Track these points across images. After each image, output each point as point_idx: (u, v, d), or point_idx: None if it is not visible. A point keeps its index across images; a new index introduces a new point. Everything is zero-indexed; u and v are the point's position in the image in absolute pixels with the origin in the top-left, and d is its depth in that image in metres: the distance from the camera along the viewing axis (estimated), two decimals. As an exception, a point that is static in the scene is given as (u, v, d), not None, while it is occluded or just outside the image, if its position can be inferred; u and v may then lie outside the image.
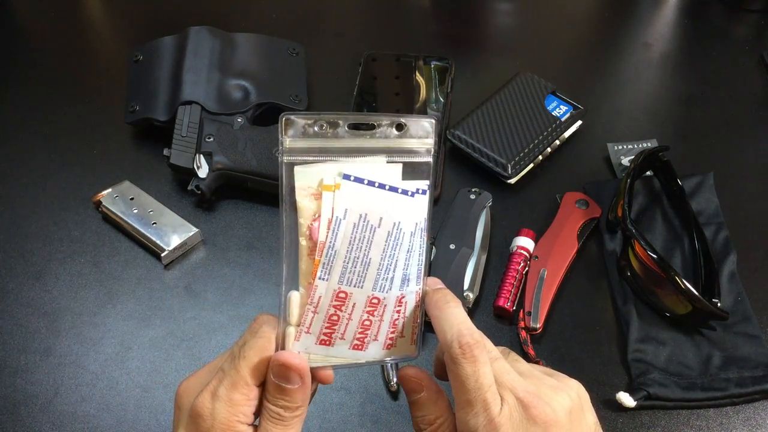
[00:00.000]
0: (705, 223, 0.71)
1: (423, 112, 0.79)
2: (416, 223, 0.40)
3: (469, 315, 0.65)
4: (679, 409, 0.61)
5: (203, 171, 0.71)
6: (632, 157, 0.74)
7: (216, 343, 0.65)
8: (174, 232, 0.70)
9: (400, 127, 0.40)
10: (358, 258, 0.39)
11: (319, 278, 0.39)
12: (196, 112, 0.73)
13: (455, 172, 0.77)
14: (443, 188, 0.75)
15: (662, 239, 0.71)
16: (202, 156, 0.71)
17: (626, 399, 0.59)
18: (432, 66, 0.83)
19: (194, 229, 0.70)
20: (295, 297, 0.40)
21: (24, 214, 0.73)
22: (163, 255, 0.68)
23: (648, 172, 0.75)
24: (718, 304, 0.63)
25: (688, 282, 0.61)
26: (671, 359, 0.63)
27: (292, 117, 0.39)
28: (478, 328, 0.66)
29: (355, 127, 0.40)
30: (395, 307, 0.41)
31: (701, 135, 0.82)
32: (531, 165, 0.76)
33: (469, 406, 0.38)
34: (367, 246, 0.39)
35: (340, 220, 0.39)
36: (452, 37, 0.92)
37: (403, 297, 0.41)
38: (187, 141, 0.72)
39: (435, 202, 0.73)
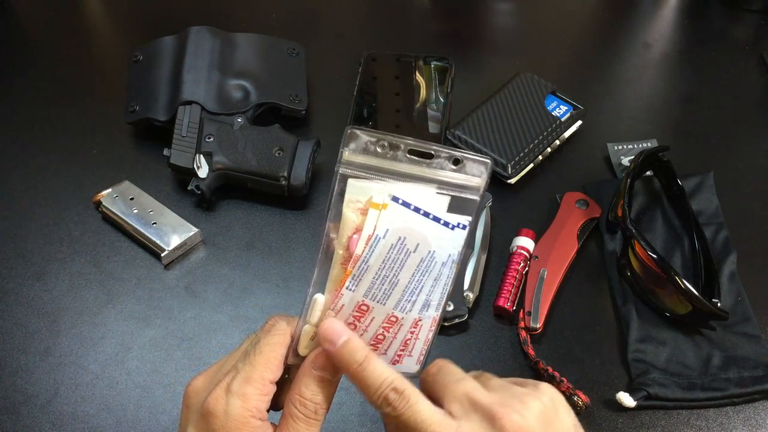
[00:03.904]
0: (705, 223, 0.71)
1: (423, 112, 0.79)
2: (449, 255, 0.41)
3: (469, 315, 0.65)
4: (679, 409, 0.61)
5: (203, 171, 0.71)
6: (632, 157, 0.74)
7: (216, 343, 0.65)
8: (174, 232, 0.70)
9: (456, 162, 0.41)
10: (387, 277, 0.40)
11: (347, 288, 0.40)
12: (196, 112, 0.73)
13: (455, 172, 0.77)
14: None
15: (662, 239, 0.71)
16: (202, 156, 0.71)
17: (626, 399, 0.59)
18: (432, 66, 0.83)
19: (194, 229, 0.70)
20: (320, 300, 0.41)
21: (24, 214, 0.73)
22: (163, 255, 0.68)
23: (648, 172, 0.75)
24: (718, 304, 0.63)
25: (688, 282, 0.61)
26: (671, 359, 0.63)
27: (357, 131, 0.40)
28: (478, 328, 0.66)
29: (414, 153, 0.40)
30: (410, 328, 0.42)
31: (701, 135, 0.82)
32: (531, 165, 0.76)
33: None
34: (398, 267, 0.40)
35: (380, 238, 0.40)
36: (452, 37, 0.92)
37: (420, 320, 0.42)
38: (187, 141, 0.72)
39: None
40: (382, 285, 0.40)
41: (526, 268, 0.68)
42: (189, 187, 0.71)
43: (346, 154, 0.40)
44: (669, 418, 0.60)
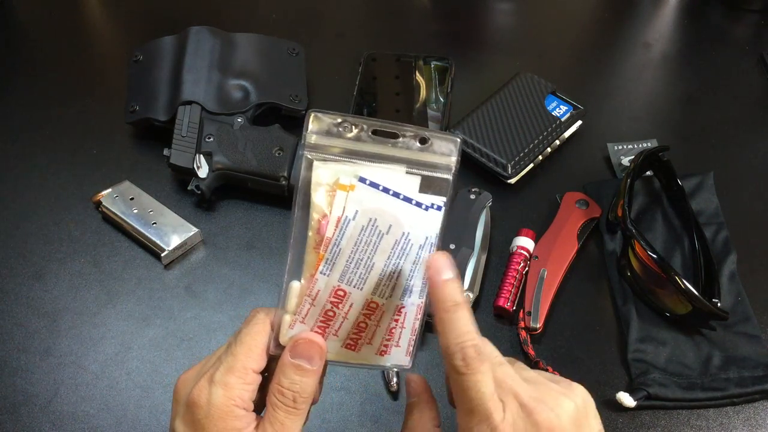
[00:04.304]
0: (705, 223, 0.71)
1: (423, 112, 0.79)
2: (426, 237, 0.40)
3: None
4: (679, 409, 0.61)
5: (203, 171, 0.71)
6: (632, 157, 0.74)
7: (216, 343, 0.65)
8: (174, 232, 0.70)
9: (423, 140, 0.41)
10: (361, 260, 0.40)
11: (321, 272, 0.40)
12: (196, 112, 0.73)
13: (455, 172, 0.77)
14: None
15: (662, 239, 0.71)
16: (202, 156, 0.71)
17: (626, 399, 0.59)
18: (432, 66, 0.83)
19: (194, 229, 0.70)
20: (295, 286, 0.41)
21: (24, 214, 0.73)
22: (163, 255, 0.68)
23: (648, 172, 0.75)
24: (718, 304, 0.63)
25: (688, 282, 0.61)
26: (671, 359, 0.63)
27: (320, 114, 0.40)
28: (479, 328, 0.66)
29: (379, 134, 0.40)
30: (393, 315, 0.42)
31: (701, 135, 0.82)
32: (531, 165, 0.76)
33: (471, 414, 0.39)
34: (372, 250, 0.39)
35: (349, 220, 0.39)
36: (452, 37, 0.92)
37: (403, 307, 0.41)
38: (187, 141, 0.72)
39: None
40: (357, 269, 0.40)
41: (526, 268, 0.68)
42: (189, 187, 0.71)
43: (312, 139, 0.40)
44: (669, 418, 0.60)
